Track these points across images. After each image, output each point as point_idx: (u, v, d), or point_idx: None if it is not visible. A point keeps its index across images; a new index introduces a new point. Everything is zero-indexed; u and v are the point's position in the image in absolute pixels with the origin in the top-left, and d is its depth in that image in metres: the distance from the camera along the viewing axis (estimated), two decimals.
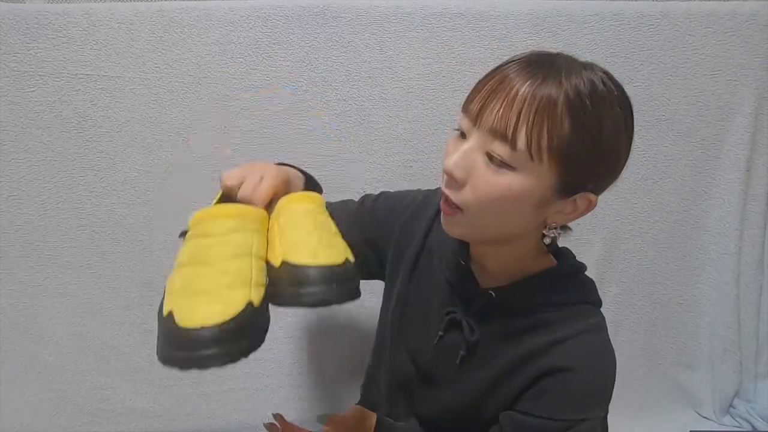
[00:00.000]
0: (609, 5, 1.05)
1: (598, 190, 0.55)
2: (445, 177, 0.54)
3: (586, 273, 0.65)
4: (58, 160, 1.02)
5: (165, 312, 0.47)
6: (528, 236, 0.58)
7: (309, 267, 0.49)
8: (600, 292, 1.21)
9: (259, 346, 0.47)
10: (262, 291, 0.50)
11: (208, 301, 0.46)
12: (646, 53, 1.06)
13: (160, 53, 0.99)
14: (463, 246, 0.64)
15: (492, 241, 0.59)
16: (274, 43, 1.00)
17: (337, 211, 0.77)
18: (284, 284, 0.50)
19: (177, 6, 0.98)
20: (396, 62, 1.03)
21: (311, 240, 0.53)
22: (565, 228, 0.60)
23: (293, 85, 1.02)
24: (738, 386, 1.21)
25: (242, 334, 0.45)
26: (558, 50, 0.55)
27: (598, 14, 1.04)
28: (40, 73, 0.98)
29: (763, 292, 1.20)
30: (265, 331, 0.49)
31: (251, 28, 0.99)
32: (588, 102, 0.49)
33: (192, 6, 0.98)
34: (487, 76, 0.53)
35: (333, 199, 1.07)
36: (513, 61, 0.53)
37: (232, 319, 0.44)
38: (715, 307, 1.19)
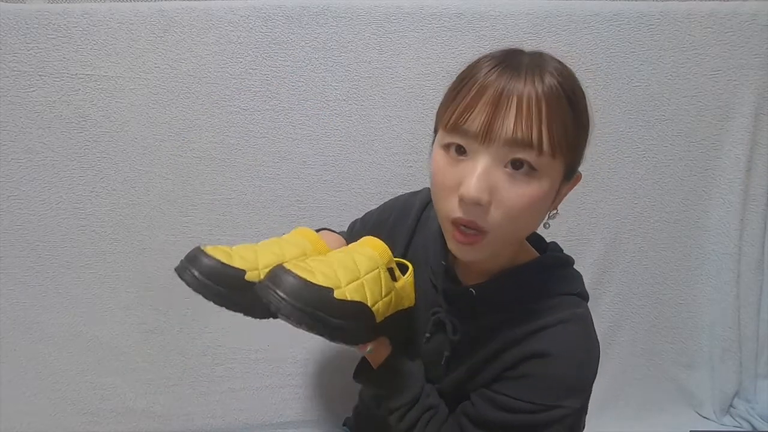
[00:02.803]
0: (609, 5, 1.05)
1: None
2: (463, 206, 0.51)
3: (575, 267, 0.65)
4: (58, 160, 1.02)
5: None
6: None
7: (289, 273, 0.51)
8: (600, 292, 1.22)
9: (219, 302, 0.56)
10: (263, 276, 0.55)
11: (224, 251, 0.59)
12: (646, 53, 1.06)
13: (160, 53, 0.99)
14: (445, 246, 0.64)
15: (512, 246, 0.59)
16: (274, 43, 1.00)
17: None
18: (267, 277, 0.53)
19: (177, 6, 0.98)
20: (396, 62, 1.03)
21: (321, 264, 0.56)
22: None
23: (293, 85, 1.03)
24: (738, 386, 1.21)
25: (220, 281, 0.56)
26: (532, 48, 0.56)
27: (598, 14, 1.04)
28: (40, 73, 0.98)
29: (763, 292, 1.20)
30: (223, 296, 0.56)
31: (251, 28, 0.99)
32: (572, 84, 0.51)
33: (192, 6, 0.98)
34: (465, 90, 0.52)
35: (332, 199, 1.07)
36: (487, 70, 0.51)
37: (224, 265, 0.56)
38: (715, 307, 1.19)
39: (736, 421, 1.19)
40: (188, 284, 0.56)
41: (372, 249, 0.60)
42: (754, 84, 1.09)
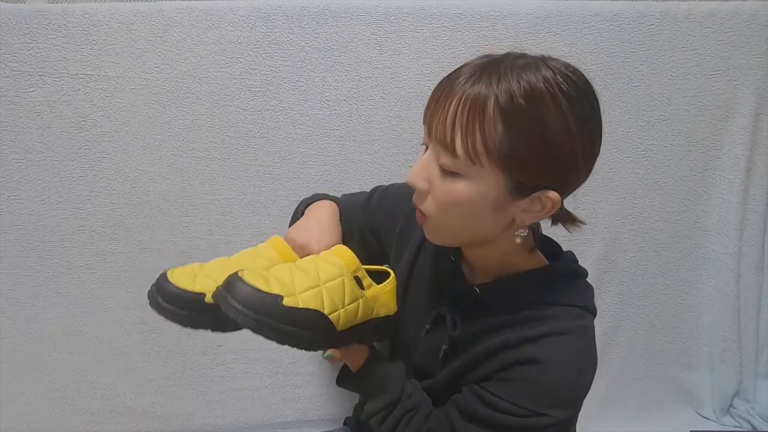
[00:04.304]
0: (609, 5, 1.05)
1: (562, 188, 0.54)
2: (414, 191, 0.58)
3: (587, 279, 0.65)
4: (58, 160, 1.02)
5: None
6: (502, 237, 0.58)
7: (243, 281, 0.53)
8: (600, 292, 1.22)
9: (184, 324, 0.60)
10: None
11: (191, 272, 0.61)
12: (646, 53, 1.06)
13: (160, 53, 0.99)
14: None
15: (470, 243, 0.60)
16: (274, 43, 1.00)
17: (348, 202, 0.79)
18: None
19: (177, 6, 0.98)
20: (396, 62, 1.03)
21: (281, 271, 0.57)
22: (572, 222, 0.61)
23: (293, 85, 1.03)
24: (738, 386, 1.21)
25: (183, 306, 0.59)
26: (529, 50, 0.55)
27: (598, 14, 1.04)
28: (40, 73, 0.98)
29: (763, 292, 1.20)
30: (189, 319, 0.60)
31: (251, 28, 0.99)
32: (522, 101, 0.49)
33: (192, 6, 0.98)
34: (437, 86, 0.55)
35: None
36: (463, 66, 0.54)
37: (184, 291, 0.59)
38: (715, 307, 1.19)
39: (736, 421, 1.19)
40: (155, 311, 0.60)
41: (338, 257, 0.61)
42: (754, 84, 1.10)
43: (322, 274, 0.58)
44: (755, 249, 1.17)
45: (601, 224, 1.14)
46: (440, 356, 0.65)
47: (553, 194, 0.53)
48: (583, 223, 0.62)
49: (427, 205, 0.56)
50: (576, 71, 0.53)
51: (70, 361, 1.08)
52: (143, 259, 1.06)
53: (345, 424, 0.95)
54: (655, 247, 1.16)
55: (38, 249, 1.04)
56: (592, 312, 0.62)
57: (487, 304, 0.61)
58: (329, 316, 0.56)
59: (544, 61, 0.52)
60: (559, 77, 0.50)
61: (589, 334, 0.60)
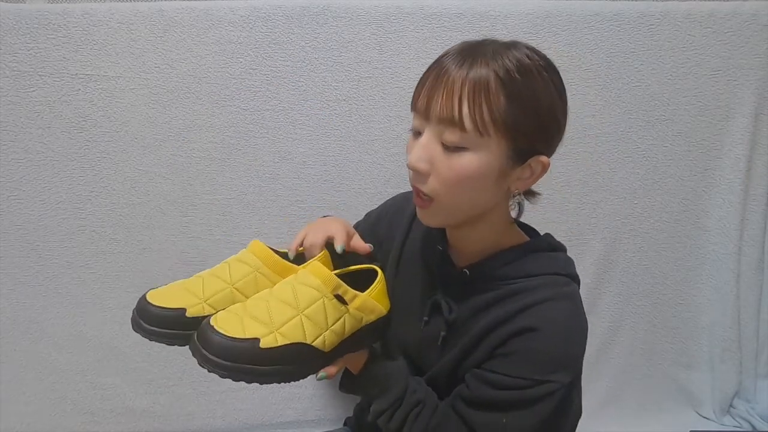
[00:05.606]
0: (609, 5, 1.05)
1: (549, 151, 0.60)
2: (412, 173, 0.60)
3: (567, 254, 0.68)
4: (58, 160, 1.02)
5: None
6: (497, 209, 0.63)
7: (215, 331, 0.53)
8: (600, 292, 1.22)
9: (170, 343, 0.60)
10: (205, 309, 0.59)
11: (169, 291, 0.62)
12: (646, 53, 1.06)
13: (160, 53, 0.99)
14: (441, 232, 0.69)
15: (467, 220, 0.62)
16: (274, 43, 1.00)
17: None
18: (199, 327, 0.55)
19: (177, 6, 0.98)
20: (396, 62, 1.03)
21: (257, 304, 0.57)
22: (532, 194, 0.66)
23: (293, 85, 1.03)
24: (738, 386, 1.21)
25: (166, 325, 0.60)
26: (512, 39, 0.60)
27: (598, 14, 1.04)
28: (40, 73, 0.98)
29: (763, 292, 1.20)
30: (175, 337, 0.59)
31: (251, 28, 0.99)
32: (517, 75, 0.55)
33: (192, 6, 0.98)
34: (425, 73, 0.59)
35: (332, 199, 1.07)
36: (446, 54, 0.58)
37: (163, 309, 0.60)
38: (715, 307, 1.19)
39: (736, 421, 1.19)
40: (140, 334, 0.61)
41: (315, 277, 0.59)
42: (754, 84, 1.10)
43: (300, 300, 0.56)
44: (755, 249, 1.17)
45: (601, 224, 1.14)
46: (439, 343, 0.66)
47: (544, 158, 0.59)
48: (539, 194, 0.66)
49: (432, 186, 0.58)
50: (538, 50, 0.59)
51: (70, 361, 1.08)
52: (143, 259, 1.06)
53: (345, 424, 0.95)
54: (655, 247, 1.16)
55: (38, 249, 1.04)
56: (576, 280, 0.65)
57: (477, 285, 0.63)
58: (313, 344, 0.55)
59: (516, 42, 0.59)
60: (534, 54, 0.58)
61: (575, 298, 0.62)
